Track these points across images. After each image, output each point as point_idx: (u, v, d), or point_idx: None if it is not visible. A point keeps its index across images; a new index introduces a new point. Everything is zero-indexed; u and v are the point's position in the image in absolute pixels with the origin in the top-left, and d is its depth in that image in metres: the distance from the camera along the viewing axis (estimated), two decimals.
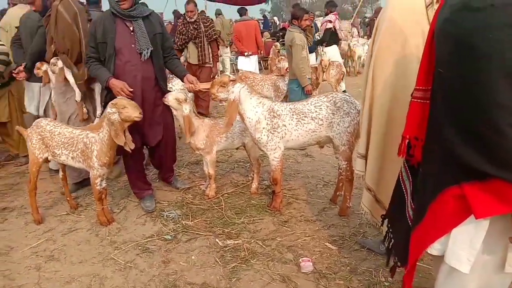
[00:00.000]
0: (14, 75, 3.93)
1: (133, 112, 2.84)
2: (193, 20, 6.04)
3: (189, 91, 3.69)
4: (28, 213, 3.38)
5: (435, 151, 1.35)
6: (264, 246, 2.88)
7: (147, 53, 3.15)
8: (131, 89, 3.06)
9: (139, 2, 3.22)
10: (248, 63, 7.63)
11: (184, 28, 6.11)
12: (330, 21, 7.79)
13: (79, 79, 3.59)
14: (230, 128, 3.36)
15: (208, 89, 3.29)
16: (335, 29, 7.85)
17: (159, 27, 3.29)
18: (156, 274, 2.58)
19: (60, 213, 3.41)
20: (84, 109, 3.79)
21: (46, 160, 3.17)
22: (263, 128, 3.09)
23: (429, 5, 2.07)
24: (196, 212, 3.40)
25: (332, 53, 7.86)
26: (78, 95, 3.66)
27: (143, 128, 3.30)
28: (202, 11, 6.77)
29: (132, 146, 2.99)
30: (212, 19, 6.66)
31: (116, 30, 3.10)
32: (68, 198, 3.46)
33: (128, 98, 2.96)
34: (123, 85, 3.03)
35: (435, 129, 1.35)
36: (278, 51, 9.00)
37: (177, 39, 6.18)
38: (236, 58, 8.72)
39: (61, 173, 3.40)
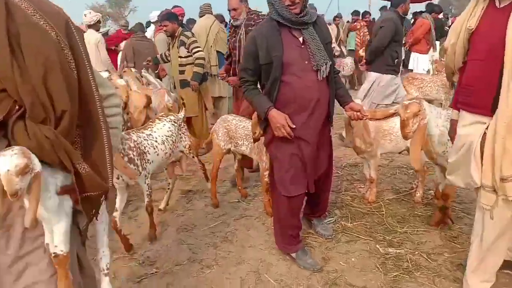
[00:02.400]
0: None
1: None
2: (237, 23, 4.04)
3: (353, 119, 2.79)
4: (207, 197, 3.89)
5: None
6: (429, 260, 2.73)
7: (325, 69, 2.46)
8: (294, 126, 2.45)
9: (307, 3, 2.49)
10: (422, 63, 7.24)
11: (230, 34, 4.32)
12: None
13: None
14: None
15: (373, 118, 2.87)
16: None
17: (328, 34, 2.69)
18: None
19: (233, 200, 3.83)
20: None
21: (229, 151, 3.59)
22: (448, 140, 2.71)
23: None
24: (356, 215, 3.41)
25: None
26: None
27: (307, 165, 2.64)
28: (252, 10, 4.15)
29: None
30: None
31: (283, 44, 2.42)
32: (239, 187, 3.86)
33: (289, 136, 2.48)
34: (284, 122, 2.43)
35: None
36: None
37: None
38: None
39: (236, 164, 3.81)
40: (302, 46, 2.46)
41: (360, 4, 12.88)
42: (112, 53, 7.10)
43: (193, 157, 3.64)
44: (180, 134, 3.47)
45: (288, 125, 2.43)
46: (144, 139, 3.05)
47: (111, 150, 1.37)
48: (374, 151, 3.45)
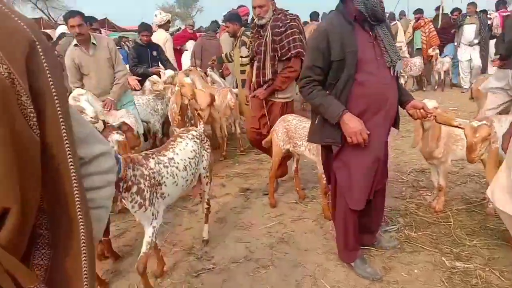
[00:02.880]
0: None
1: None
2: (262, 22, 3.61)
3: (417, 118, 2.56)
4: (265, 196, 3.89)
5: None
6: (502, 279, 2.51)
7: (400, 66, 2.41)
8: (368, 132, 2.31)
9: None
10: None
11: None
12: None
13: None
14: None
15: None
16: None
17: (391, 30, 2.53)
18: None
19: (290, 201, 3.80)
20: None
21: (288, 152, 3.56)
22: None
23: None
24: (421, 224, 3.23)
25: None
26: None
27: (378, 172, 2.53)
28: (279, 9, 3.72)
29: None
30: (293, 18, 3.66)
31: (357, 40, 2.27)
32: (297, 189, 3.82)
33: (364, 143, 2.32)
34: (361, 127, 2.27)
35: None
36: None
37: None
38: None
39: (294, 165, 3.77)
40: (374, 42, 2.34)
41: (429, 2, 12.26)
42: (176, 53, 7.34)
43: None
44: (202, 152, 2.93)
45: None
46: (164, 166, 2.51)
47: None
48: (445, 157, 3.24)
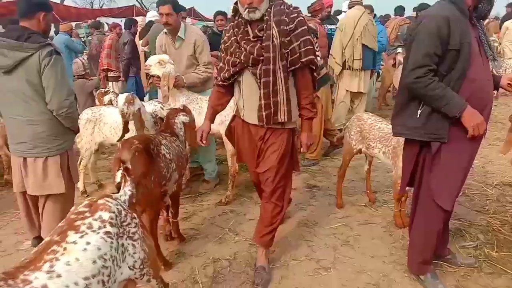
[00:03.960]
0: None
1: None
2: (255, 16, 2.40)
3: None
4: (331, 195, 3.78)
5: None
6: None
7: (498, 65, 2.43)
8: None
9: None
10: None
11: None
12: None
13: None
14: None
15: None
16: None
17: None
18: None
19: (358, 203, 3.64)
20: None
21: (359, 152, 3.40)
22: None
23: None
24: (504, 244, 2.91)
25: None
26: None
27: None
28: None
29: None
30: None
31: (470, 33, 2.17)
32: (368, 191, 3.65)
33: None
34: (483, 121, 2.18)
35: None
36: None
37: None
38: None
39: (366, 166, 3.60)
40: (477, 37, 2.25)
41: None
42: None
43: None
44: (123, 244, 1.66)
45: None
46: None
47: None
48: None
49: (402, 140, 2.72)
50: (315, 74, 2.53)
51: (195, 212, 3.61)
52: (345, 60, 5.39)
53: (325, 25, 5.83)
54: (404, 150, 2.58)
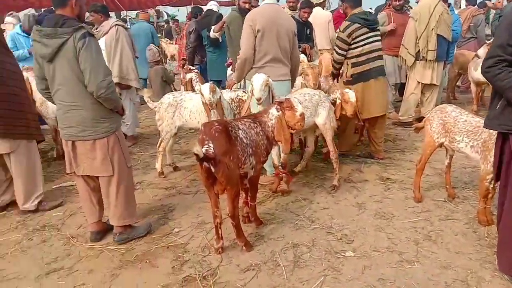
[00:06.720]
0: None
1: None
2: None
3: None
4: (407, 189, 3.70)
5: None
6: None
7: None
8: None
9: None
10: None
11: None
12: None
13: None
14: None
15: None
16: None
17: None
18: None
19: (437, 198, 3.53)
20: None
21: (441, 145, 3.29)
22: None
23: None
24: None
25: None
26: None
27: None
28: None
29: None
30: None
31: None
32: (447, 186, 3.53)
33: None
34: None
35: None
36: None
37: None
38: None
39: (447, 161, 3.48)
40: None
41: None
42: None
43: None
44: None
45: None
46: None
47: None
48: None
49: (494, 134, 2.62)
50: None
51: (267, 198, 3.67)
52: (419, 50, 5.22)
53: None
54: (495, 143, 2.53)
